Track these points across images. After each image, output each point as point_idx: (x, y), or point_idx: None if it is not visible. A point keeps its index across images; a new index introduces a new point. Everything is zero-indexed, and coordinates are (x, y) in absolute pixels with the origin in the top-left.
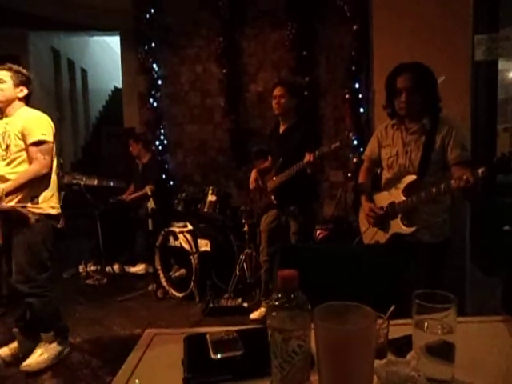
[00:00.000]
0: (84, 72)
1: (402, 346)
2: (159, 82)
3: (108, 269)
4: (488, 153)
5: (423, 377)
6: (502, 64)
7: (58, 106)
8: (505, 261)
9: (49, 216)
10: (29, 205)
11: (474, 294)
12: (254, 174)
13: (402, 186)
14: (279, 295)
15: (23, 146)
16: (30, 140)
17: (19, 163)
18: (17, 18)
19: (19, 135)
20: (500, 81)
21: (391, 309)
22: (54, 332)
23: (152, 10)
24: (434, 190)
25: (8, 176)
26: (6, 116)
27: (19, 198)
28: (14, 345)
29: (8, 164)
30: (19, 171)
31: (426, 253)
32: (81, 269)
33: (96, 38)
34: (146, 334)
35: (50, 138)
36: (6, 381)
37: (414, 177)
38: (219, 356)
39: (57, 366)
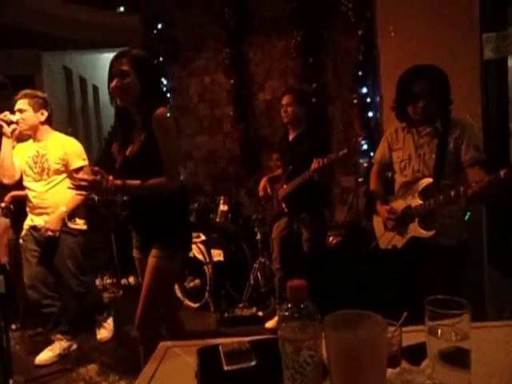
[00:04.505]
0: (95, 88)
1: (416, 354)
2: (168, 95)
3: (123, 281)
4: (501, 153)
5: None
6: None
7: (71, 121)
8: None
9: (83, 231)
10: (70, 224)
11: (493, 297)
12: (263, 181)
13: (418, 189)
14: (289, 305)
15: (62, 169)
16: (74, 166)
17: (56, 184)
18: (30, 38)
19: (59, 161)
20: (510, 79)
21: (404, 316)
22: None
23: (159, 26)
24: (452, 193)
25: (45, 196)
26: (38, 141)
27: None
28: (56, 346)
29: (45, 185)
30: (56, 191)
31: (445, 256)
32: (97, 282)
33: (106, 55)
34: (160, 346)
35: (86, 161)
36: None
37: (430, 180)
38: (232, 367)
39: (76, 379)
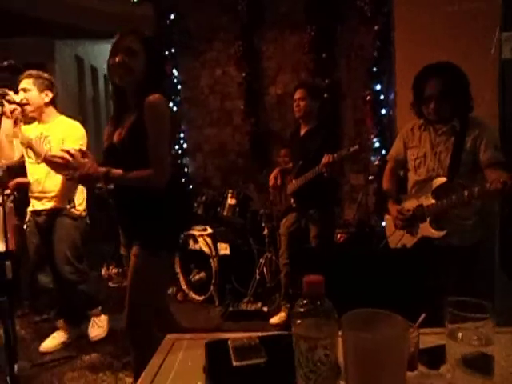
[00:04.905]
0: (107, 78)
1: (433, 357)
2: (178, 86)
3: None
4: None
5: None
6: None
7: (82, 111)
8: None
9: (82, 217)
10: (67, 207)
11: (502, 301)
12: (276, 171)
13: (431, 188)
14: (304, 302)
15: None
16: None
17: None
18: (43, 27)
19: (61, 144)
20: None
21: (422, 317)
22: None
23: (172, 16)
24: (466, 194)
25: (45, 179)
26: (43, 122)
27: (57, 200)
28: (60, 333)
29: (46, 168)
30: (56, 176)
31: (456, 257)
32: (103, 271)
33: None
34: (166, 339)
35: (83, 146)
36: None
37: (444, 179)
38: (242, 363)
39: (80, 367)
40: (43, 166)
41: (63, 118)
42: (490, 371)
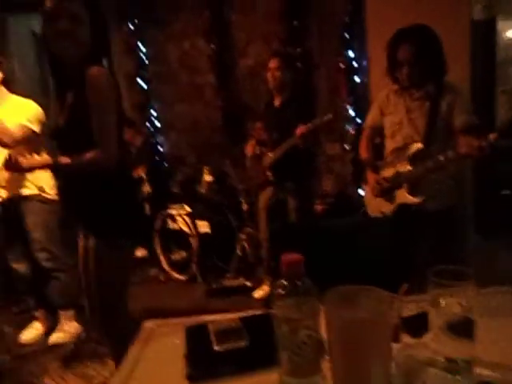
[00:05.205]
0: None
1: (415, 326)
2: (146, 61)
3: None
4: (487, 116)
5: (443, 358)
6: (501, 24)
7: (44, 92)
8: (504, 225)
9: (55, 202)
10: (37, 193)
11: (476, 261)
12: (252, 141)
13: (407, 154)
14: (284, 282)
15: (24, 136)
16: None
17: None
18: None
19: (20, 127)
20: (499, 41)
21: (404, 287)
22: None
23: None
24: (441, 159)
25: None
26: None
27: (25, 187)
28: (40, 323)
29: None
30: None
31: (433, 222)
32: None
33: None
34: (144, 326)
35: (35, 125)
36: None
37: (420, 145)
38: (223, 348)
39: (63, 355)
40: (5, 151)
41: (16, 97)
42: (472, 334)
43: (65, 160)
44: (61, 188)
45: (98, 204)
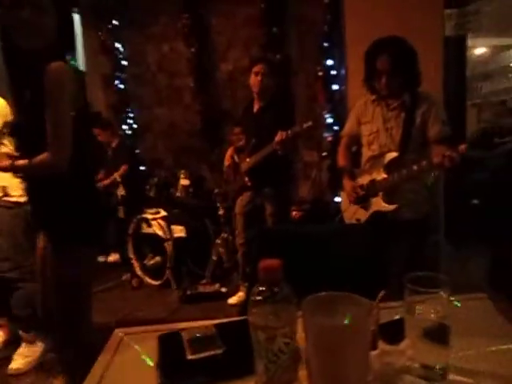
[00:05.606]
0: None
1: (393, 332)
2: (124, 62)
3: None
4: (458, 128)
5: (418, 365)
6: (470, 41)
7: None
8: (474, 234)
9: (20, 204)
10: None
11: (446, 269)
12: (230, 150)
13: (383, 163)
14: (261, 289)
15: None
16: None
17: None
18: None
19: None
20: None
21: (381, 294)
22: (35, 331)
23: None
24: (415, 168)
25: None
26: None
27: None
28: (1, 332)
29: None
30: None
31: (407, 230)
32: None
33: None
34: (114, 334)
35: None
36: None
37: (395, 154)
38: (197, 356)
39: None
40: None
41: None
42: (448, 340)
43: (21, 163)
44: (25, 188)
45: (56, 207)
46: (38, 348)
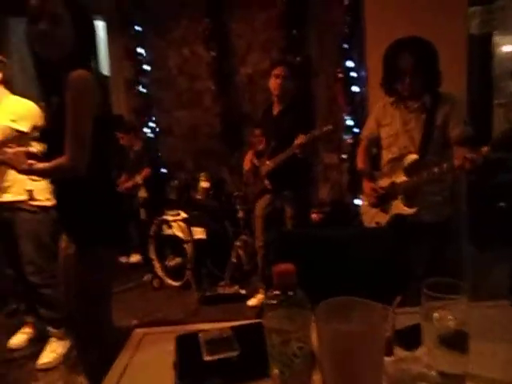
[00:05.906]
0: None
1: (409, 339)
2: (146, 67)
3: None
4: (484, 129)
5: (435, 372)
6: (497, 38)
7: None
8: (499, 237)
9: (45, 208)
10: (25, 199)
11: (469, 273)
12: (249, 154)
13: (403, 165)
14: (276, 293)
15: (17, 134)
16: (14, 127)
17: None
18: None
19: (12, 125)
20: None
21: (397, 299)
22: (65, 328)
23: None
24: (436, 170)
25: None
26: None
27: (13, 192)
28: (29, 329)
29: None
30: None
31: (428, 233)
32: None
33: None
34: (134, 334)
35: (22, 126)
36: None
37: (415, 156)
38: (213, 358)
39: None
40: None
41: (14, 97)
42: (466, 348)
43: (39, 167)
44: (53, 191)
45: (78, 210)
46: (67, 344)
